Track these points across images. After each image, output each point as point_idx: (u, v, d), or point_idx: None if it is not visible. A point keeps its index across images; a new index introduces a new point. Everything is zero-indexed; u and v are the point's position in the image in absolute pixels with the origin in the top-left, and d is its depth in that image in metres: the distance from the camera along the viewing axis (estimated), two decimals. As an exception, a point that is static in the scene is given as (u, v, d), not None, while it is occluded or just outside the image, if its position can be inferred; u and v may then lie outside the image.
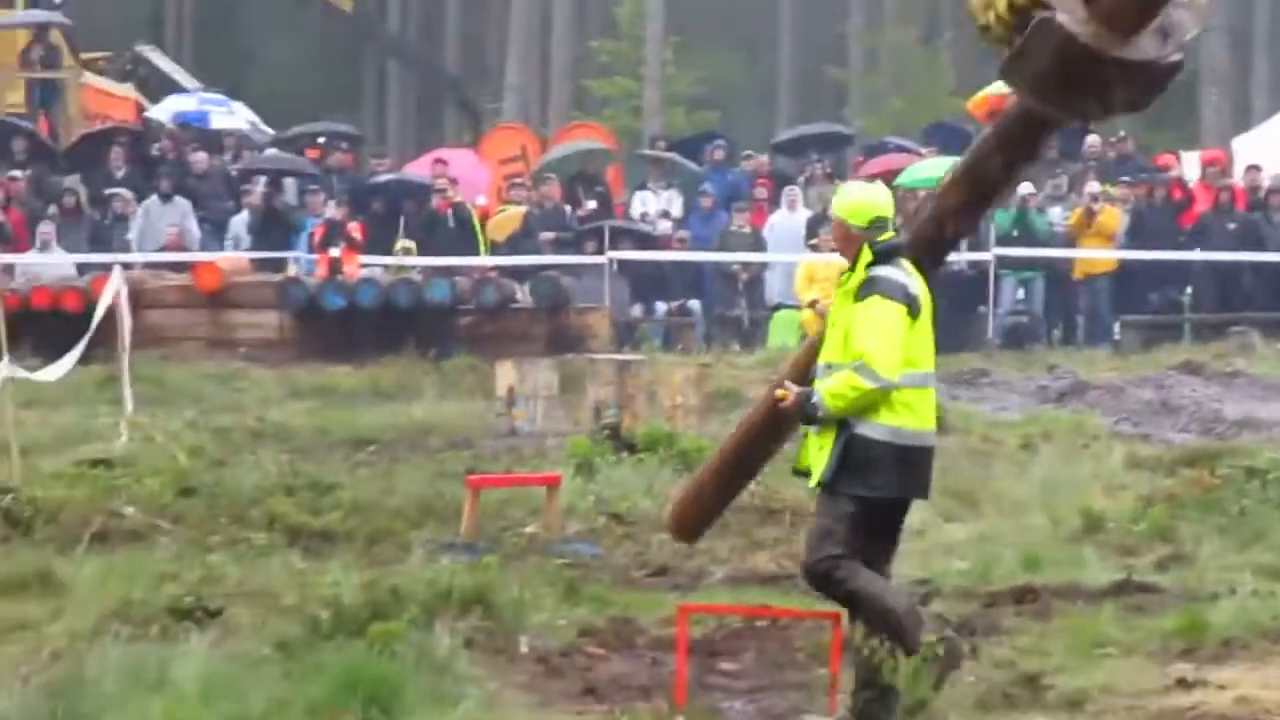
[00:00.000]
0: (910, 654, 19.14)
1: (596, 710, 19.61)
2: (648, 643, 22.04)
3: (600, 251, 62.71)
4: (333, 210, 61.57)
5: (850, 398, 19.96)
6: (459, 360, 50.14)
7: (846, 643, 19.88)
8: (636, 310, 66.59)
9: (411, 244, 59.71)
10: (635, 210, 71.53)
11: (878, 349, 19.77)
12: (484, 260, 62.02)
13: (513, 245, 64.49)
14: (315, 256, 58.66)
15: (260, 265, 59.75)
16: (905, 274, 20.51)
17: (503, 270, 59.96)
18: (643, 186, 73.23)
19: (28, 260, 56.98)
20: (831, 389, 20.32)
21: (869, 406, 20.09)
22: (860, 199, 21.37)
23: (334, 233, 60.17)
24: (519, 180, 74.14)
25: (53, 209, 62.85)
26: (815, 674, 20.41)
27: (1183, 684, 20.38)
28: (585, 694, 20.21)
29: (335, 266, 57.34)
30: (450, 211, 62.91)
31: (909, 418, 20.27)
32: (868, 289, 20.39)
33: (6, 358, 34.10)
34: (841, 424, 20.32)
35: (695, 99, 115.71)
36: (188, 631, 21.40)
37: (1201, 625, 22.45)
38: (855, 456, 20.14)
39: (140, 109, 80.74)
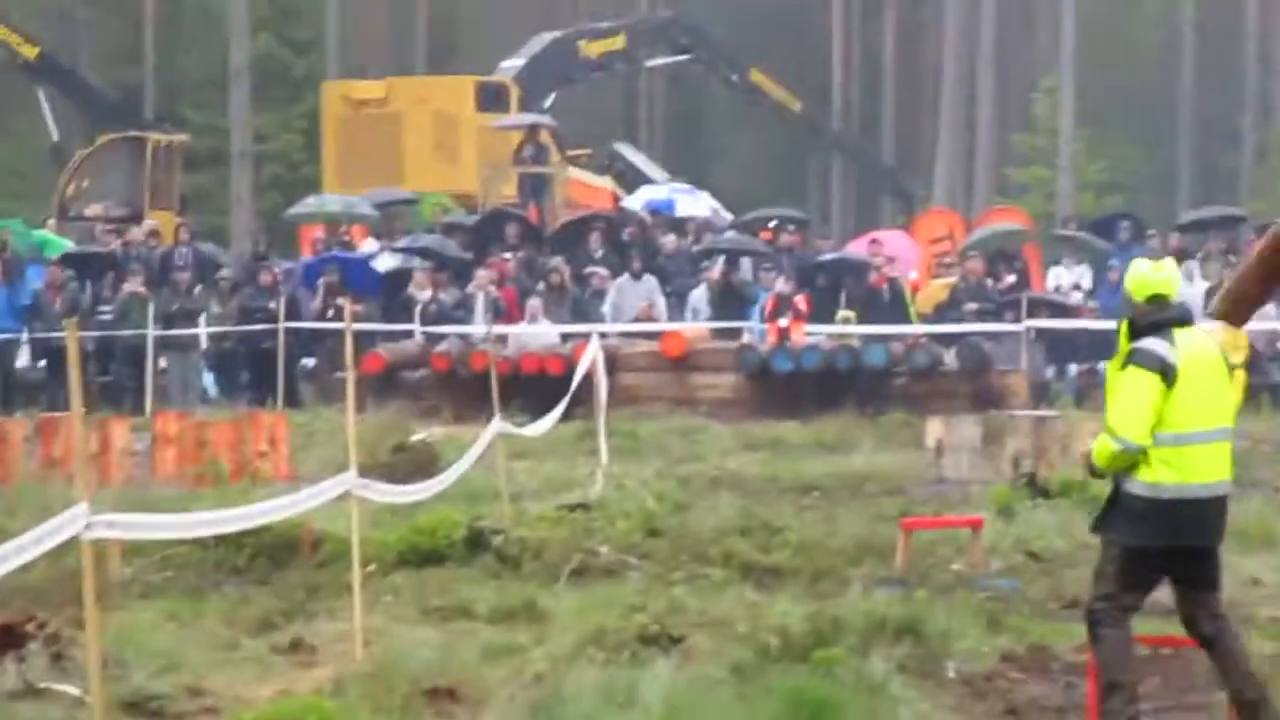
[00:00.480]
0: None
1: (1018, 728, 19.11)
2: (1063, 668, 21.76)
3: (1018, 320, 61.86)
4: (782, 285, 61.71)
5: (1105, 458, 19.80)
6: (893, 416, 49.88)
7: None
8: (1050, 372, 65.69)
9: (851, 314, 59.88)
10: (1050, 283, 70.70)
11: (1120, 416, 19.62)
12: (915, 328, 61.12)
13: (940, 315, 64.27)
14: (766, 326, 58.81)
15: (718, 334, 60.03)
16: (1168, 344, 19.83)
17: (932, 337, 59.23)
18: (1056, 262, 72.08)
19: (518, 330, 57.36)
20: (1095, 449, 20.24)
21: (1130, 464, 19.68)
22: (1141, 276, 20.91)
23: (783, 305, 60.30)
24: (946, 258, 74.71)
25: (540, 286, 63.08)
26: (1215, 698, 19.73)
27: None
28: (1006, 714, 20.06)
29: (784, 334, 57.51)
30: (886, 285, 62.94)
31: (1167, 473, 19.53)
32: (1127, 359, 20.15)
33: (499, 416, 34.03)
34: (1115, 478, 20.14)
35: (1103, 185, 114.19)
36: (654, 656, 21.10)
37: None
38: (1120, 507, 19.87)
39: (616, 198, 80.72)
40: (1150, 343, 19.89)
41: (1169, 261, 22.57)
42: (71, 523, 16.40)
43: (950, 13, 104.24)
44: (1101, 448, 19.94)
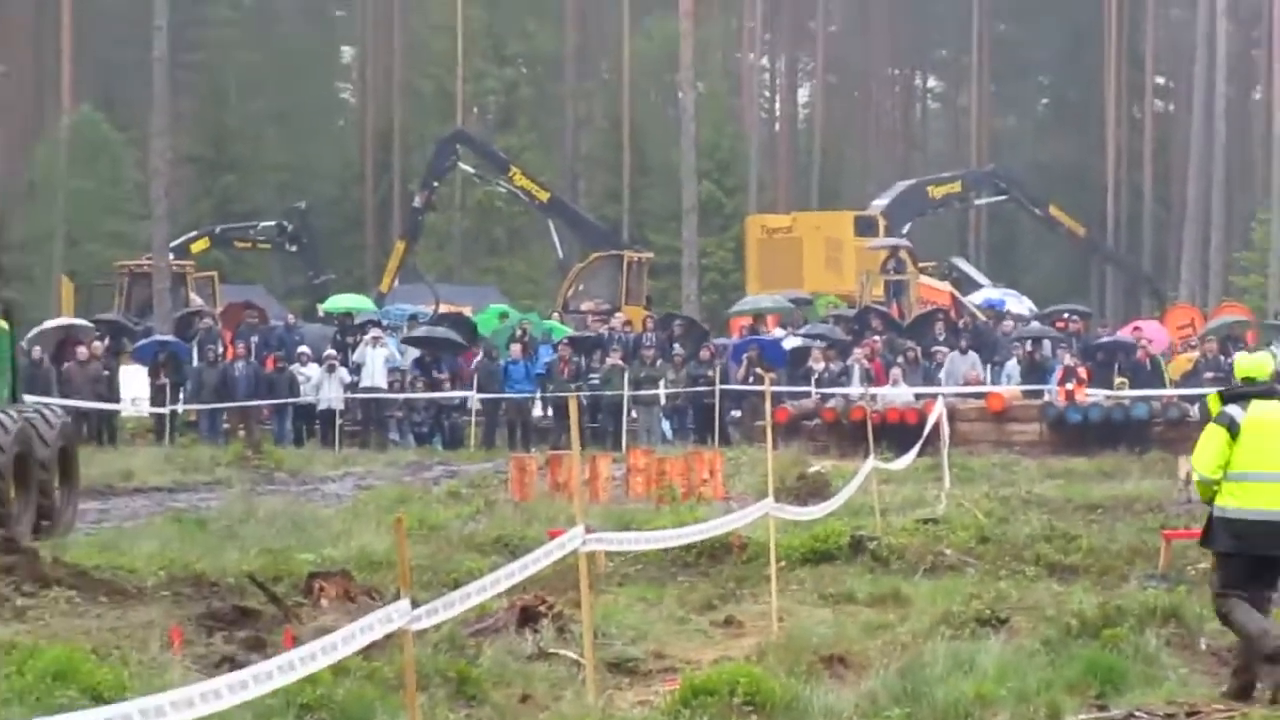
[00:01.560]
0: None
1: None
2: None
3: (1242, 385, 59.04)
4: (1070, 359, 61.77)
5: (1197, 488, 20.99)
6: (1153, 455, 49.31)
7: None
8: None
9: (1124, 380, 59.85)
10: (1265, 359, 67.62)
11: (1196, 457, 20.25)
12: (1168, 391, 60.67)
13: (1186, 381, 62.60)
14: (1059, 389, 58.91)
15: (1027, 394, 59.92)
16: (1242, 410, 20.16)
17: (1181, 397, 58.12)
18: (1268, 344, 69.19)
19: (884, 391, 57.25)
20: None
21: (1210, 493, 19.91)
22: (1240, 362, 21.98)
23: (1070, 374, 60.29)
24: (1190, 340, 73.68)
25: (899, 359, 62.89)
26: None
27: None
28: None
29: (1071, 395, 57.62)
30: (1147, 360, 63.05)
31: (1231, 501, 19.65)
32: (1214, 419, 20.55)
33: (872, 454, 34.11)
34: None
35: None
36: (987, 633, 20.85)
37: None
38: (1210, 525, 20.04)
39: (954, 298, 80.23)
40: (1230, 408, 20.32)
41: (1264, 353, 25.48)
42: (572, 540, 16.38)
43: (1192, 164, 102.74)
44: (1195, 481, 21.26)
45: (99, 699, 13.23)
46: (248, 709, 13.47)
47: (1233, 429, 19.77)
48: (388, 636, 13.32)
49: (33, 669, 16.28)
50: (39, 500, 32.69)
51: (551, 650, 18.85)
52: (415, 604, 13.33)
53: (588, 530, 17.80)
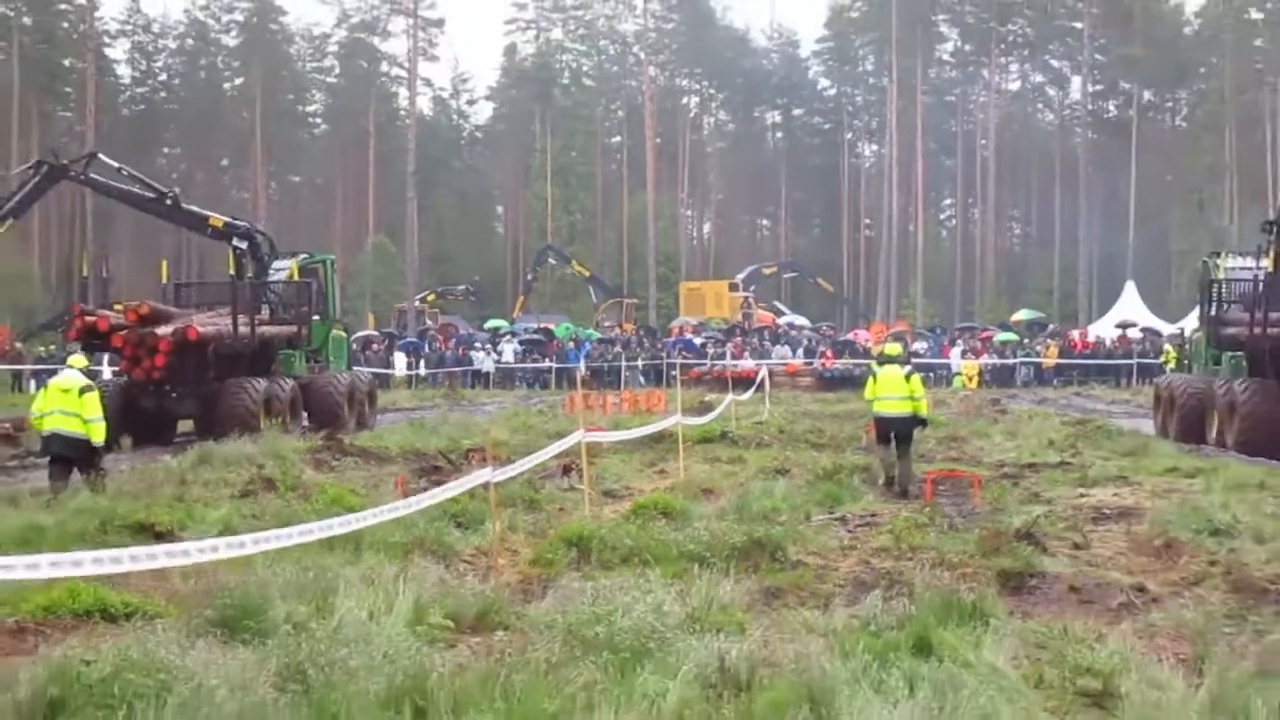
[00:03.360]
0: None
1: None
2: None
3: None
4: (824, 347, 59.97)
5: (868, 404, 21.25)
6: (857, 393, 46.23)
7: None
8: None
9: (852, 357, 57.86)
10: None
11: (866, 390, 21.01)
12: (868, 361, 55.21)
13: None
14: (820, 361, 57.12)
15: (806, 364, 57.70)
16: (879, 367, 20.84)
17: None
18: (912, 341, 66.60)
19: (739, 363, 55.32)
20: None
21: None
22: (883, 346, 22.23)
23: (823, 354, 58.40)
24: (883, 337, 68.72)
25: (746, 348, 61.26)
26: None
27: (1081, 495, 18.67)
28: None
29: (826, 364, 55.79)
30: (861, 348, 60.78)
31: (879, 408, 20.38)
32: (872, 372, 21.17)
33: (731, 392, 33.09)
34: None
35: None
36: (779, 477, 20.36)
37: (1086, 476, 20.68)
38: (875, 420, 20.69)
39: (774, 320, 78.07)
40: (876, 367, 20.91)
41: (894, 342, 25.69)
42: (577, 436, 15.87)
43: (882, 257, 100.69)
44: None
45: (350, 509, 12.62)
46: (426, 513, 13.21)
47: (875, 376, 20.54)
48: (484, 485, 12.94)
49: (322, 498, 15.98)
50: (359, 415, 33.41)
51: (575, 486, 18.29)
52: (495, 468, 13.00)
53: (586, 430, 17.40)
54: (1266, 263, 27.85)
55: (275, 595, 9.43)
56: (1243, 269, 29.56)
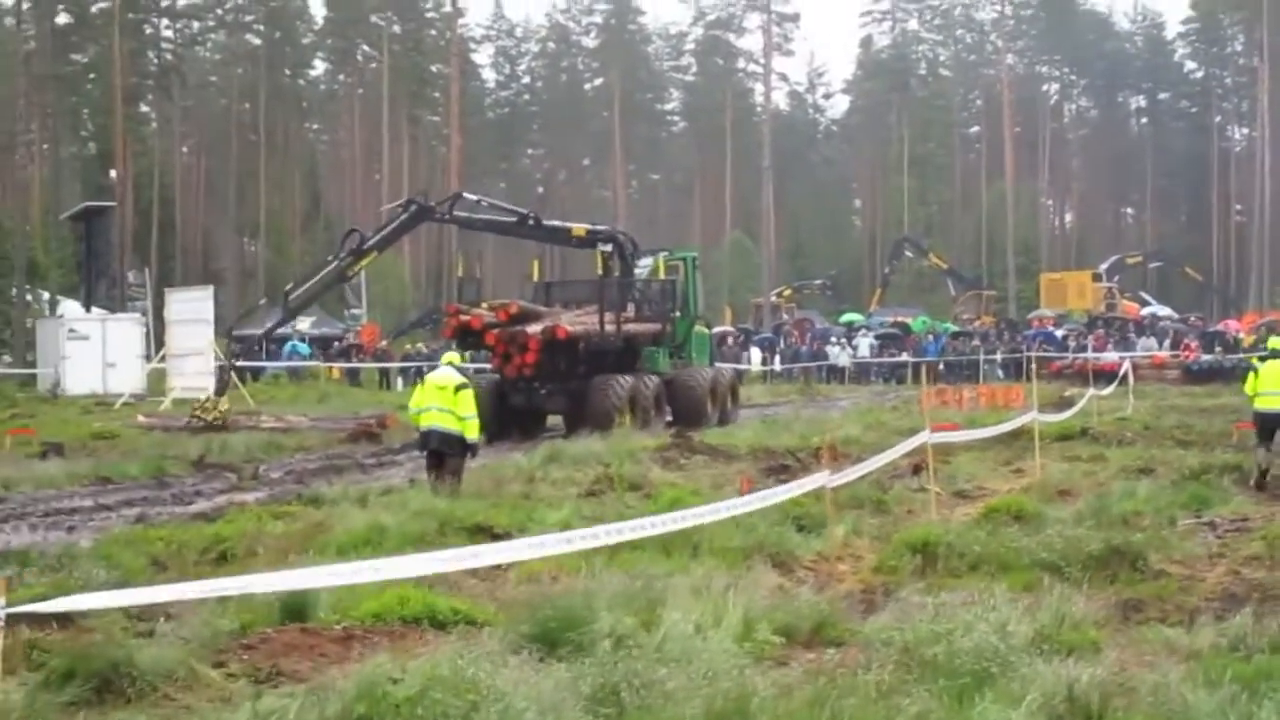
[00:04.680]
0: None
1: None
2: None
3: None
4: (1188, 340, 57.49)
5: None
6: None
7: None
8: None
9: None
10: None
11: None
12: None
13: None
14: (1183, 352, 54.70)
15: (1172, 356, 55.22)
16: (1262, 364, 20.21)
17: None
18: None
19: (1101, 355, 53.33)
20: None
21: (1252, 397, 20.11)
22: (1270, 341, 21.14)
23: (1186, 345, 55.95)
24: None
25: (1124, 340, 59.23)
26: None
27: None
28: None
29: (1190, 353, 53.37)
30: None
31: (1261, 404, 19.83)
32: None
33: (1091, 388, 31.92)
34: None
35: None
36: (1142, 477, 19.25)
37: None
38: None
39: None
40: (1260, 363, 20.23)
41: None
42: (922, 437, 15.19)
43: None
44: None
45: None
46: (767, 515, 12.73)
47: (1257, 370, 20.24)
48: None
49: (661, 499, 15.66)
50: (721, 410, 33.48)
51: (925, 487, 17.53)
52: (832, 472, 12.44)
53: (934, 429, 16.91)
54: None
55: (601, 606, 9.07)
56: None
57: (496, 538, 12.75)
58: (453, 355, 18.69)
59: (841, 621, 9.72)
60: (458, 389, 17.46)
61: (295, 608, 9.57)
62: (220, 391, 32.00)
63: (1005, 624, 8.55)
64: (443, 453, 17.64)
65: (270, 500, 17.66)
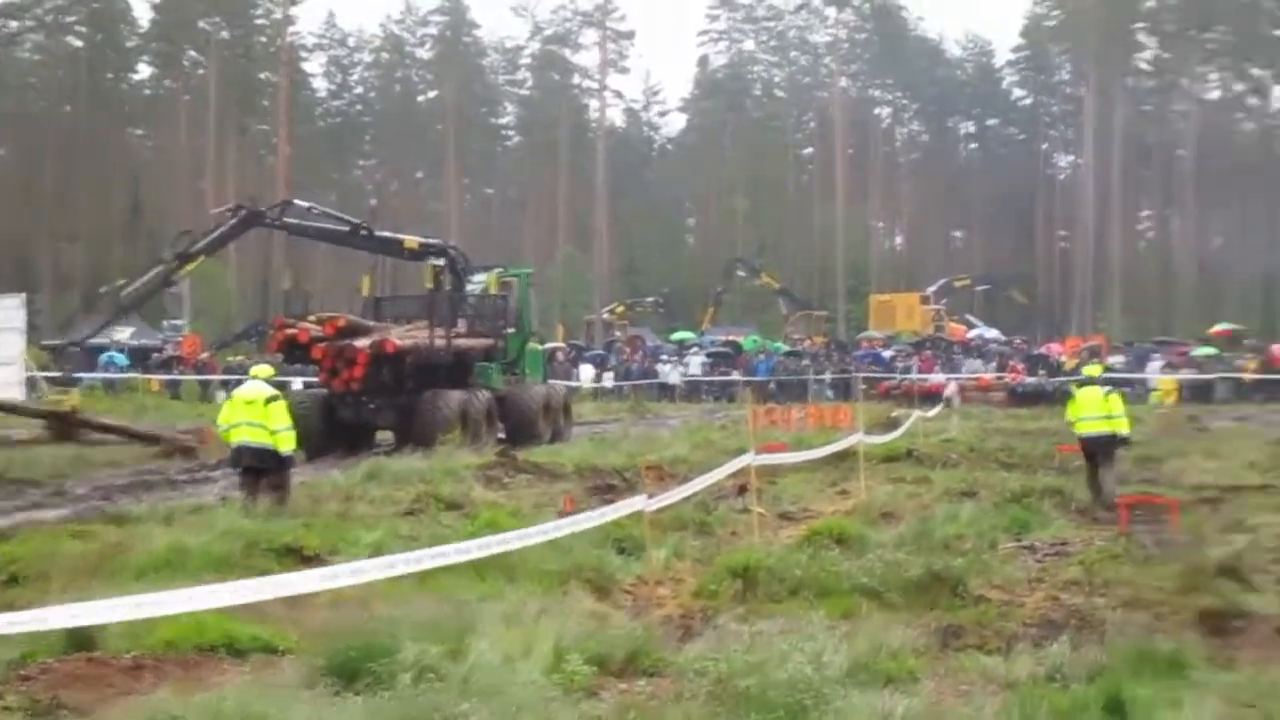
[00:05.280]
0: None
1: None
2: None
3: None
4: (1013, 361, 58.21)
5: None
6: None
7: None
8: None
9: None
10: None
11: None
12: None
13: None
14: (1010, 374, 55.40)
15: (995, 379, 55.82)
16: (1078, 390, 20.74)
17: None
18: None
19: (928, 377, 53.83)
20: None
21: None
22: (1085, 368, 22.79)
23: (1010, 367, 56.65)
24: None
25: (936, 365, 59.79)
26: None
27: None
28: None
29: (1016, 376, 54.01)
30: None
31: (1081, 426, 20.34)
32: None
33: (916, 409, 32.16)
34: None
35: None
36: (965, 500, 19.32)
37: None
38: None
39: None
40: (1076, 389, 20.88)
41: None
42: (746, 458, 15.06)
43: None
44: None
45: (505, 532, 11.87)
46: (584, 535, 12.48)
47: (1074, 396, 20.77)
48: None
49: (481, 519, 15.32)
50: (554, 427, 33.58)
51: (750, 508, 17.38)
52: (652, 495, 12.24)
53: (759, 450, 16.97)
54: None
55: (407, 634, 8.72)
56: None
57: (306, 560, 12.38)
58: (262, 368, 18.22)
59: (657, 650, 9.47)
60: (268, 401, 17.10)
61: (81, 636, 9.06)
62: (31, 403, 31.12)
63: (821, 654, 8.38)
64: (258, 469, 17.23)
65: (72, 518, 17.03)
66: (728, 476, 16.72)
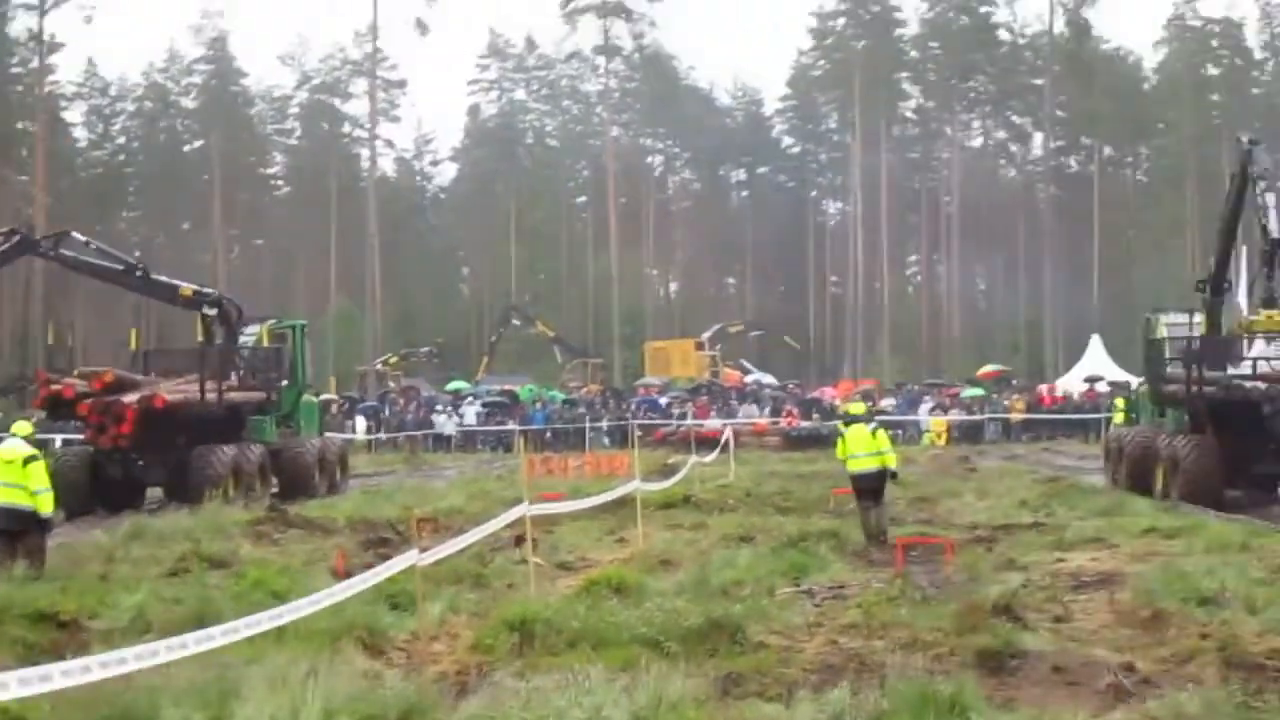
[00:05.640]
0: None
1: None
2: None
3: None
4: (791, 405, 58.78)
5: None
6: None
7: None
8: None
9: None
10: None
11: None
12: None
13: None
14: (784, 419, 55.87)
15: (771, 422, 56.18)
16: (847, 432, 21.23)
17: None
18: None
19: (705, 423, 54.17)
20: None
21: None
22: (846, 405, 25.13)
23: (788, 411, 57.11)
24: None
25: (714, 409, 60.13)
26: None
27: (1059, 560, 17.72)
28: None
29: (791, 420, 54.45)
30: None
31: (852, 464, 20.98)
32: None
33: (694, 455, 32.29)
34: None
35: None
36: (743, 545, 19.32)
37: (1063, 538, 19.78)
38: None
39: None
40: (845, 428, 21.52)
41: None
42: (521, 509, 14.88)
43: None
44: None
45: (279, 598, 11.45)
46: (361, 596, 12.00)
47: (844, 436, 21.37)
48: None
49: (248, 579, 14.81)
50: (330, 480, 33.52)
51: (526, 559, 17.09)
52: (422, 550, 11.92)
53: (533, 501, 16.42)
54: (1200, 321, 29.47)
55: (168, 701, 8.30)
56: (1182, 326, 30.41)
57: (62, 625, 11.81)
58: (22, 425, 17.53)
59: (431, 709, 9.15)
60: (26, 461, 16.46)
61: None
62: None
63: (600, 708, 8.17)
64: (15, 531, 16.52)
65: None
66: (504, 527, 16.42)
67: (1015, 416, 58.34)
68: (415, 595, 13.21)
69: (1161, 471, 27.90)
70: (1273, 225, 25.98)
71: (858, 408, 22.95)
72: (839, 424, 24.41)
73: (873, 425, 21.50)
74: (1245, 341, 28.63)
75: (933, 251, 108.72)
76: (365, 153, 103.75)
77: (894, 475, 21.42)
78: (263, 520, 22.82)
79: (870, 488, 20.61)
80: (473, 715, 8.74)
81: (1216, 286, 29.26)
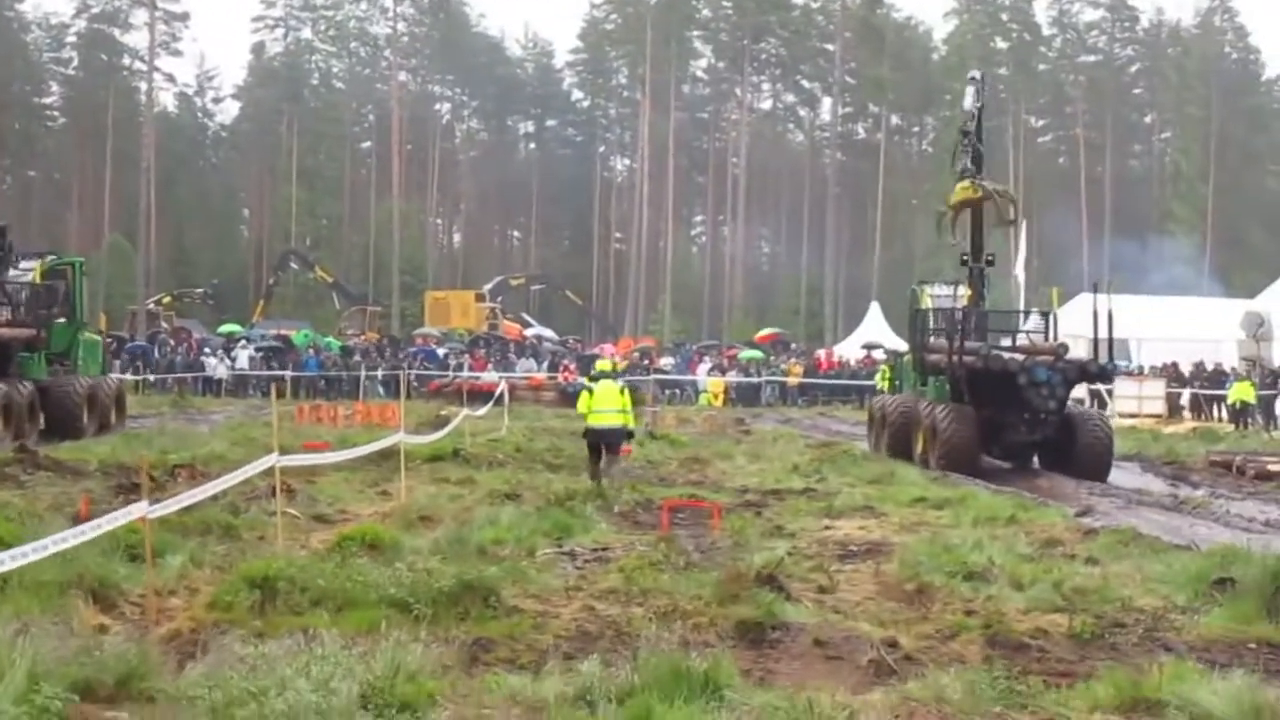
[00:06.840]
0: None
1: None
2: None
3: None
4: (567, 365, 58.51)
5: None
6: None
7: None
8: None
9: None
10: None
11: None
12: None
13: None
14: (561, 374, 55.62)
15: (549, 378, 56.07)
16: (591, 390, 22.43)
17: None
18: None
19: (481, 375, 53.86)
20: None
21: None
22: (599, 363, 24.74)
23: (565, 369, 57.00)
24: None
25: (489, 362, 59.75)
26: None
27: (827, 527, 17.60)
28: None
29: (568, 377, 54.20)
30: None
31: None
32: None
33: (466, 407, 31.79)
34: None
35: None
36: (508, 502, 18.88)
37: (832, 505, 19.70)
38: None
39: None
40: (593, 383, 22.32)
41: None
42: (271, 459, 14.20)
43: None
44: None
45: (4, 544, 10.63)
46: (97, 542, 11.38)
47: (591, 390, 22.13)
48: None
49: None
50: (101, 420, 33.16)
51: (285, 510, 16.40)
52: (154, 501, 11.24)
53: (283, 453, 15.72)
54: (964, 293, 30.19)
55: None
56: (946, 298, 31.39)
57: None
58: None
59: (152, 674, 8.49)
60: None
61: None
62: None
63: (329, 679, 7.61)
64: None
65: None
66: (260, 475, 15.69)
67: (792, 380, 58.77)
68: (158, 545, 12.51)
69: (922, 438, 28.73)
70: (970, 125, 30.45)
71: (605, 364, 24.49)
72: (585, 379, 25.11)
73: (621, 383, 22.76)
74: (1020, 316, 30.67)
75: (718, 213, 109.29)
76: (144, 86, 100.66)
77: (631, 435, 22.87)
78: (10, 461, 21.82)
79: (610, 443, 21.71)
80: (197, 680, 8.12)
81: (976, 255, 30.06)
